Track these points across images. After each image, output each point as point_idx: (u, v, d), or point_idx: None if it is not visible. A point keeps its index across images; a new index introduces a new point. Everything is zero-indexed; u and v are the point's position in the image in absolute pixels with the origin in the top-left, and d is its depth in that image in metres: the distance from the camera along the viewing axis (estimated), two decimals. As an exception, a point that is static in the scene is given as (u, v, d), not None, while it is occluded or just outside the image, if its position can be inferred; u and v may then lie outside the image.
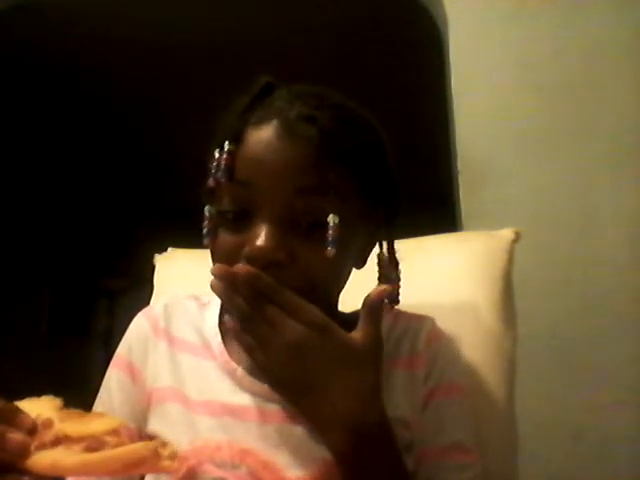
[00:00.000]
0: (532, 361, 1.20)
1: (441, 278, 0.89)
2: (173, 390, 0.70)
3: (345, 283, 0.72)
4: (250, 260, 0.62)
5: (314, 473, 0.64)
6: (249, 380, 0.69)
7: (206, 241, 0.67)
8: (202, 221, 0.68)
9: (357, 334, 0.61)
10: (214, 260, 0.67)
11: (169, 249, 1.05)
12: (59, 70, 2.95)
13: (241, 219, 0.65)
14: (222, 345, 0.72)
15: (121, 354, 0.76)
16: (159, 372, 0.72)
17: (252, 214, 0.64)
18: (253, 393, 0.68)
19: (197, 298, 0.79)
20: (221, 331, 0.74)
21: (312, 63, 2.63)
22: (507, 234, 0.92)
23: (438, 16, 1.63)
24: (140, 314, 0.78)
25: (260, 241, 0.62)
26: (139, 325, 0.77)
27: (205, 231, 0.67)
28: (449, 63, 1.52)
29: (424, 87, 2.37)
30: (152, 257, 1.04)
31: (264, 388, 0.68)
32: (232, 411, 0.68)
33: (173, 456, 0.45)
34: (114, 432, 0.46)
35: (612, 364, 1.32)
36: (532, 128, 1.45)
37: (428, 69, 1.97)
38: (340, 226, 0.63)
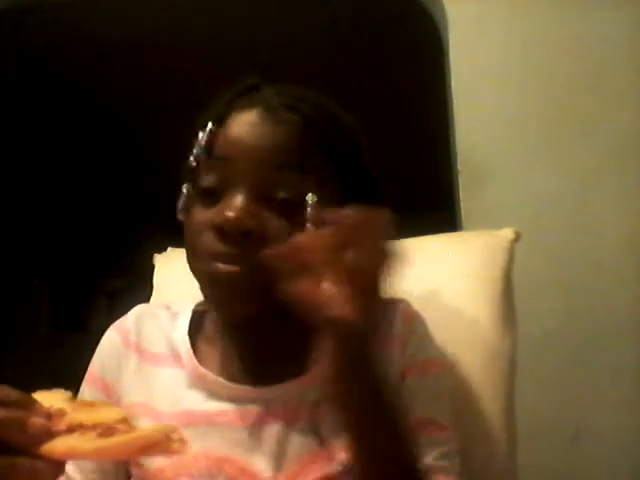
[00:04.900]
0: (532, 361, 1.21)
1: (441, 278, 0.89)
2: (142, 405, 0.70)
3: None
4: (219, 229, 0.63)
5: (290, 472, 0.64)
6: (221, 384, 0.68)
7: (180, 216, 0.68)
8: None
9: None
10: (187, 235, 0.67)
11: (169, 249, 1.05)
12: (59, 69, 2.95)
13: (216, 195, 0.65)
14: (191, 351, 0.72)
15: (93, 371, 0.75)
16: (130, 387, 0.72)
17: (228, 189, 0.65)
18: (226, 397, 0.68)
19: (168, 308, 0.78)
20: (191, 338, 0.73)
21: (312, 63, 2.63)
22: (507, 234, 0.92)
23: (438, 16, 1.63)
24: (112, 328, 0.77)
25: (231, 211, 0.62)
26: (110, 340, 0.76)
27: (180, 206, 0.68)
28: (449, 63, 1.52)
29: (424, 87, 2.37)
30: (152, 257, 1.04)
31: (237, 389, 0.68)
32: (206, 418, 0.67)
33: (183, 440, 0.47)
34: (124, 420, 0.48)
35: (612, 364, 1.32)
36: (532, 128, 1.45)
37: (428, 69, 1.97)
38: (316, 208, 0.63)
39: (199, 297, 0.79)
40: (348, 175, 0.69)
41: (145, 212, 4.23)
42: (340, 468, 0.64)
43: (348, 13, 2.48)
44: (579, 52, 1.46)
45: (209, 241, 0.64)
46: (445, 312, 0.84)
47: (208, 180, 0.66)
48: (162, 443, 0.46)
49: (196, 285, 0.78)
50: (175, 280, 0.99)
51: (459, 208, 1.46)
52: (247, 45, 2.61)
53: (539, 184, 1.41)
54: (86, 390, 0.74)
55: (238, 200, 0.63)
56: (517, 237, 0.91)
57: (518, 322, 0.89)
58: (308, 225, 0.62)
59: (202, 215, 0.66)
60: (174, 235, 1.21)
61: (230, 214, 0.62)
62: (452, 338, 0.81)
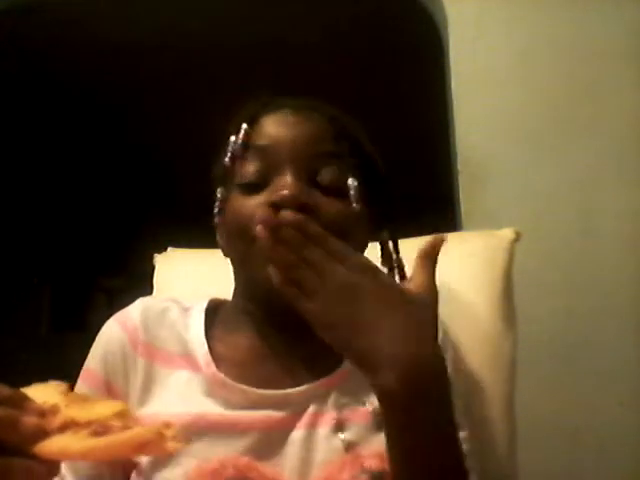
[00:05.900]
0: (532, 361, 1.20)
1: (441, 278, 0.89)
2: (155, 416, 0.64)
3: None
4: (275, 207, 0.64)
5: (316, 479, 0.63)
6: (241, 390, 0.66)
7: (217, 219, 0.72)
8: (211, 209, 0.72)
9: (410, 283, 0.59)
10: (232, 227, 0.69)
11: (169, 249, 1.05)
12: (60, 69, 2.95)
13: (258, 185, 0.68)
14: (209, 355, 0.69)
15: (94, 369, 0.71)
16: (139, 398, 0.68)
17: (274, 173, 0.68)
18: (247, 403, 0.66)
19: (178, 302, 0.75)
20: (207, 340, 0.70)
21: (311, 63, 2.63)
22: (507, 234, 0.92)
23: (438, 16, 1.63)
24: (114, 322, 0.73)
25: (287, 188, 0.65)
26: (114, 337, 0.71)
27: (216, 211, 0.71)
28: (449, 63, 1.52)
29: (424, 87, 2.37)
30: (151, 256, 1.04)
31: (259, 395, 0.66)
32: (227, 426, 0.64)
33: (177, 437, 0.45)
34: (119, 415, 0.46)
35: (612, 364, 1.31)
36: (532, 128, 1.45)
37: (428, 69, 1.97)
38: (358, 190, 0.69)
39: (199, 297, 0.79)
40: (368, 172, 0.73)
41: (145, 212, 4.23)
42: (368, 476, 0.62)
43: (348, 13, 2.48)
44: (579, 52, 1.46)
45: None
46: (445, 312, 0.84)
47: (250, 171, 0.69)
48: (155, 442, 0.44)
49: (196, 285, 0.78)
50: (175, 280, 0.99)
51: (459, 208, 1.46)
52: (247, 45, 2.61)
53: (539, 184, 1.41)
54: (83, 389, 0.69)
55: (289, 179, 0.66)
56: (517, 237, 0.92)
57: (518, 322, 0.88)
58: (354, 205, 0.68)
59: (248, 203, 0.68)
60: (174, 235, 1.21)
61: (286, 191, 0.64)
62: (452, 338, 0.81)
